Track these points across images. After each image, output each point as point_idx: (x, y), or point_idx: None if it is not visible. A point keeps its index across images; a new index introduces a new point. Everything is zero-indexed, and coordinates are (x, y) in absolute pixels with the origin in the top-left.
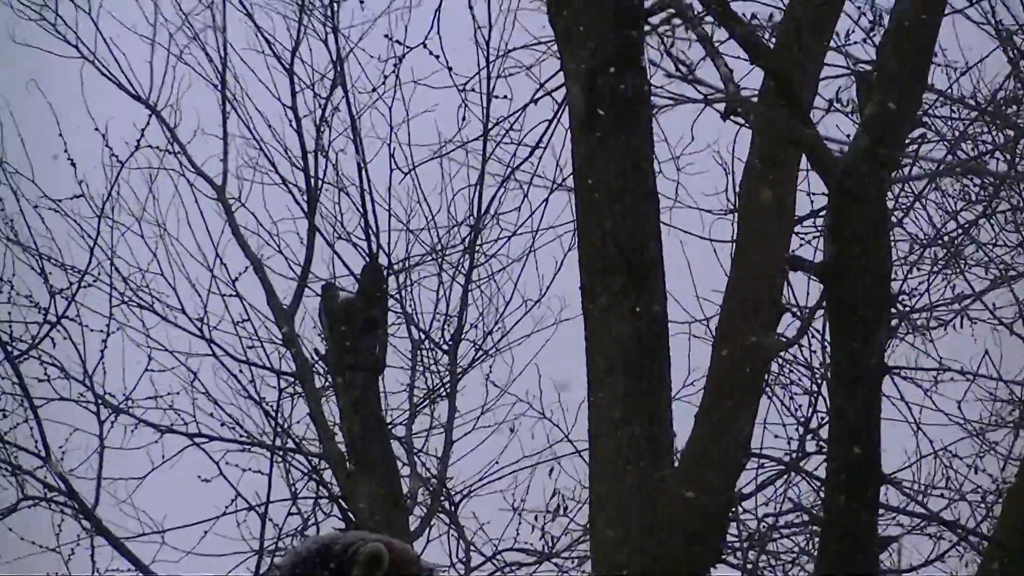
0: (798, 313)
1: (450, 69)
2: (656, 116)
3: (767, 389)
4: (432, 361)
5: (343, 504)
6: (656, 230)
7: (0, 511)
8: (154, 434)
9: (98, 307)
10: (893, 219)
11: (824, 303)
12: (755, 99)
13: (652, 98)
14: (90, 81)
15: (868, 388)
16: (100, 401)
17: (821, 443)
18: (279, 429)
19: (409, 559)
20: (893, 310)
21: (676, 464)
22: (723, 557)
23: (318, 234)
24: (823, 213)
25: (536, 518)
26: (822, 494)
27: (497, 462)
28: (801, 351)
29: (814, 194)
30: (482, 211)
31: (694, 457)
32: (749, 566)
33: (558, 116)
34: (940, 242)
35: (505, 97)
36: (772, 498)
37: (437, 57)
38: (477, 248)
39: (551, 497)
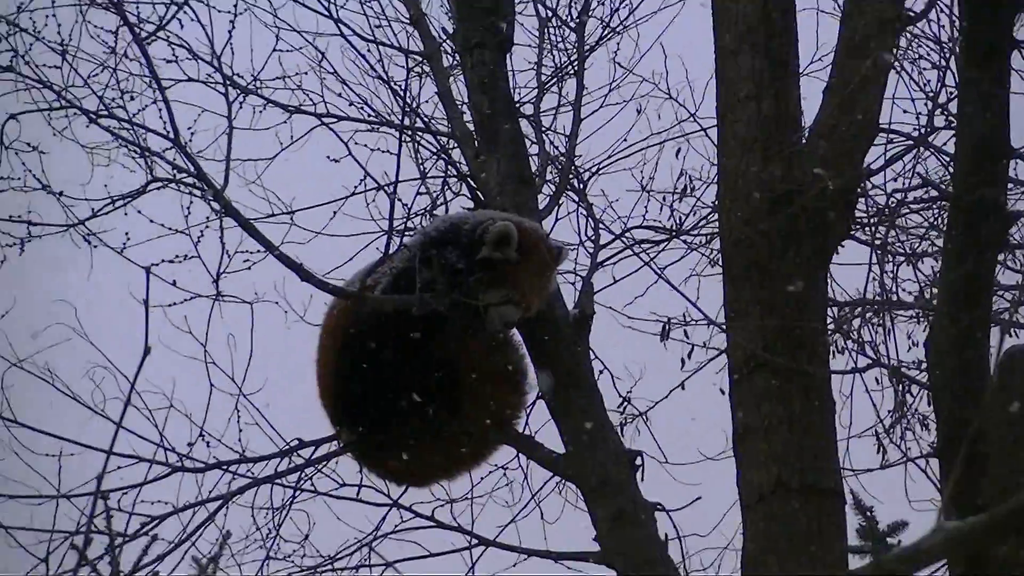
0: None
1: None
2: None
3: (896, 64)
4: (559, 39)
5: (472, 183)
6: None
7: (129, 193)
8: (282, 114)
9: None
10: None
11: None
12: None
13: None
14: None
15: (998, 61)
16: (228, 82)
17: (950, 118)
18: (407, 108)
19: (538, 237)
20: None
21: (804, 140)
22: (852, 232)
23: None
24: None
25: (664, 198)
26: (951, 169)
27: (625, 139)
28: (930, 26)
29: None
30: None
31: (822, 133)
32: (878, 241)
33: None
34: None
35: None
36: (901, 173)
37: None
38: None
39: (678, 177)
